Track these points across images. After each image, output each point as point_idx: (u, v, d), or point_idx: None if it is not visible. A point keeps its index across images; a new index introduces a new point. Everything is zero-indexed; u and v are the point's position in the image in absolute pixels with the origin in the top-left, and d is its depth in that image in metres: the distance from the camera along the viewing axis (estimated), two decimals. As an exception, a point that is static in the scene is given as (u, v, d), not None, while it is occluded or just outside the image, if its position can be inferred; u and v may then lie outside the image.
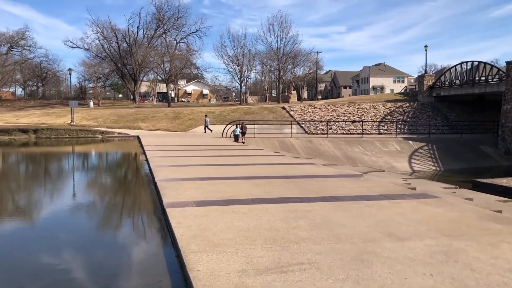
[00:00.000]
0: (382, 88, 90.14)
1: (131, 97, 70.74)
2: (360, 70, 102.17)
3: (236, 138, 29.63)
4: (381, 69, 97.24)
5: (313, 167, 14.59)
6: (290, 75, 60.09)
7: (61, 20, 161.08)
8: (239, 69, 54.53)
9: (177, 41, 70.62)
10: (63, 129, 35.04)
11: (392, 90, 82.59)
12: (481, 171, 30.94)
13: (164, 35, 69.89)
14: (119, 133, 34.92)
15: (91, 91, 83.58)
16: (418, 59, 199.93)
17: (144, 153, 19.21)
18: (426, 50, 45.18)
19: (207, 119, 36.83)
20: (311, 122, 39.57)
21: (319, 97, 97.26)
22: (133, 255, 6.67)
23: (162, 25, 68.80)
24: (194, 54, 68.90)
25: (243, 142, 29.07)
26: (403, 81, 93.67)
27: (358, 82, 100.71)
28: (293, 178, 11.58)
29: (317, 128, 38.50)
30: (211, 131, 35.62)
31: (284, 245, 5.61)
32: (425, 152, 33.21)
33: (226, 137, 31.73)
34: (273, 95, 73.64)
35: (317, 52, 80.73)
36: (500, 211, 9.55)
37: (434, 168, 31.25)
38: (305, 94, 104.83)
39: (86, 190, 14.14)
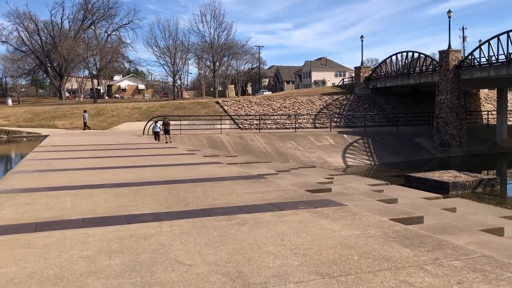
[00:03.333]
0: (323, 82, 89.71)
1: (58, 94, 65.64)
2: (302, 65, 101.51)
3: (156, 135, 26.74)
4: (323, 63, 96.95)
5: (216, 167, 12.30)
6: (226, 68, 57.63)
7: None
8: (171, 62, 51.44)
9: (108, 33, 66.32)
10: (-39, 129, 30.84)
11: (334, 84, 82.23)
12: (417, 164, 30.09)
13: (93, 27, 65.33)
14: (28, 132, 31.21)
15: (23, 89, 77.37)
16: (365, 54, 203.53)
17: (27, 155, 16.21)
18: (362, 41, 44.26)
19: (86, 114, 33.86)
20: (245, 117, 37.46)
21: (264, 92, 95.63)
22: None
23: (90, 16, 64.22)
24: (127, 47, 64.95)
25: (169, 141, 26.29)
26: (344, 75, 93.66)
27: (301, 76, 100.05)
28: (176, 184, 9.24)
29: (251, 123, 36.48)
30: (89, 128, 33.13)
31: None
32: (360, 146, 31.96)
33: (148, 134, 28.91)
34: (212, 89, 71.02)
35: (259, 46, 79.20)
36: (420, 218, 7.71)
37: (369, 162, 30.01)
38: (249, 90, 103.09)
39: None
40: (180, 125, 30.37)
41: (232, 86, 67.12)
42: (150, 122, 29.74)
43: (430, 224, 7.42)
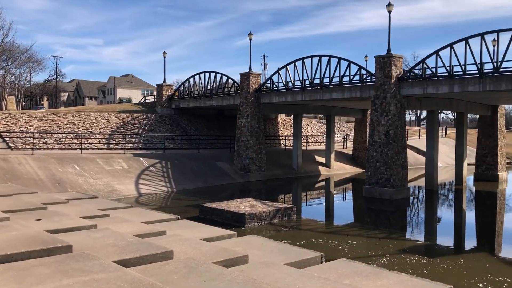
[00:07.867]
0: (129, 100, 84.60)
1: None
2: (107, 81, 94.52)
3: None
4: (129, 80, 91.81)
5: None
6: (3, 75, 48.06)
7: None
8: None
9: None
10: None
11: (141, 103, 77.85)
12: (217, 190, 28.16)
13: None
14: None
15: None
16: (176, 76, 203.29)
17: None
18: (164, 57, 41.44)
19: None
20: (20, 134, 30.53)
21: (62, 107, 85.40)
22: None
23: None
24: None
25: None
26: (152, 95, 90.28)
27: (105, 93, 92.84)
28: None
29: (27, 142, 29.83)
30: None
31: None
32: (157, 171, 28.60)
33: None
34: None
35: (56, 56, 70.23)
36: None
37: (166, 189, 26.80)
38: (46, 104, 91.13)
39: None
40: None
41: (13, 97, 56.84)
42: None
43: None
